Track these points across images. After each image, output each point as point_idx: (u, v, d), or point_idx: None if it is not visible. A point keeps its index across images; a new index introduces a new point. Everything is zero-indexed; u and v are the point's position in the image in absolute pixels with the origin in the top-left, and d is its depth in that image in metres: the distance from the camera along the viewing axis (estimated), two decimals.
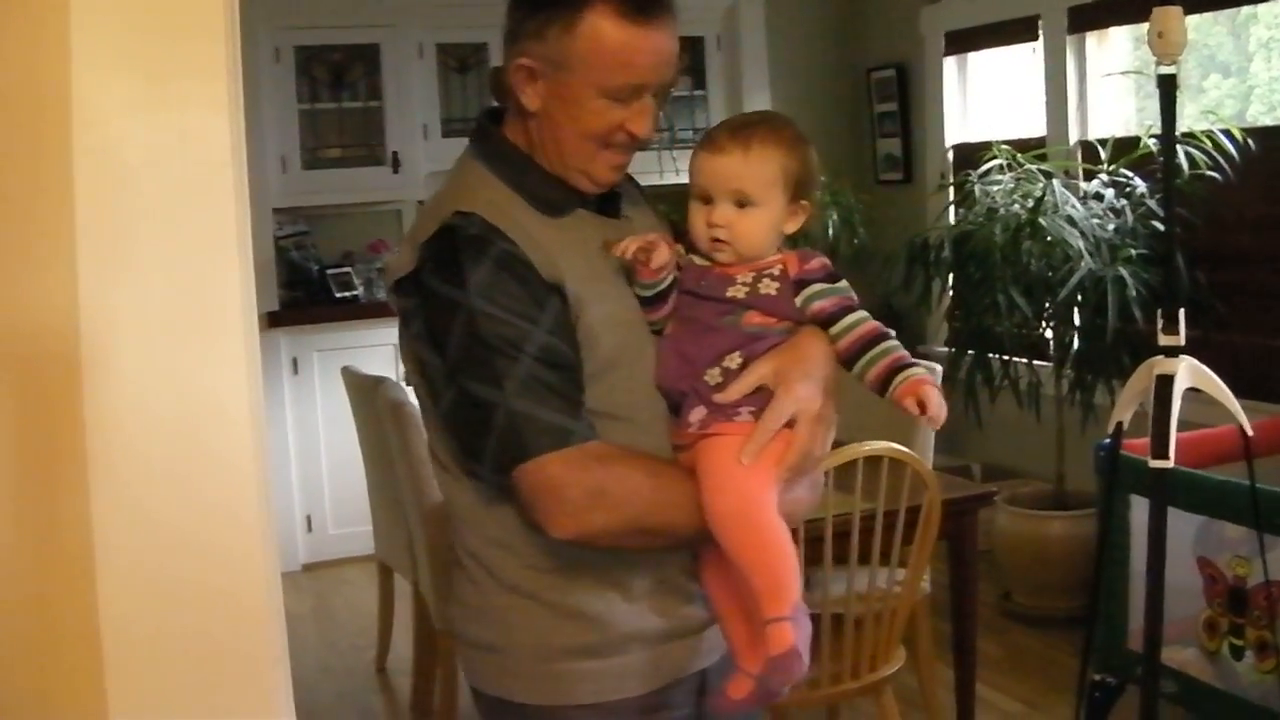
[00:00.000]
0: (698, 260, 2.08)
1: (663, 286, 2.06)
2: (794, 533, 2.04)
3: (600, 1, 1.98)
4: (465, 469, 2.07)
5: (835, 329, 2.05)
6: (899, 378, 2.00)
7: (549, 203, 2.07)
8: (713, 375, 2.01)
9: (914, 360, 2.04)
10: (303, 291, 7.09)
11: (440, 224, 2.00)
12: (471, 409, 1.98)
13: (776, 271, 2.05)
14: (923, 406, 1.98)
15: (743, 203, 2.03)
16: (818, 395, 2.02)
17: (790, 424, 2.00)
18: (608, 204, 2.16)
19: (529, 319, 1.96)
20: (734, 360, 2.01)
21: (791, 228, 2.10)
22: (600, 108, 2.02)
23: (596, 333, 2.02)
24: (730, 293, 2.04)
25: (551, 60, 2.01)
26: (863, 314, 2.06)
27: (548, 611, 2.08)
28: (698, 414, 2.01)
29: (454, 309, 1.96)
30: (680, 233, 2.17)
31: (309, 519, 6.90)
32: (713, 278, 2.06)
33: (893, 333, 2.07)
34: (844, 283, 2.08)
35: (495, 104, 2.21)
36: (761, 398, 2.00)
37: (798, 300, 2.04)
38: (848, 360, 2.05)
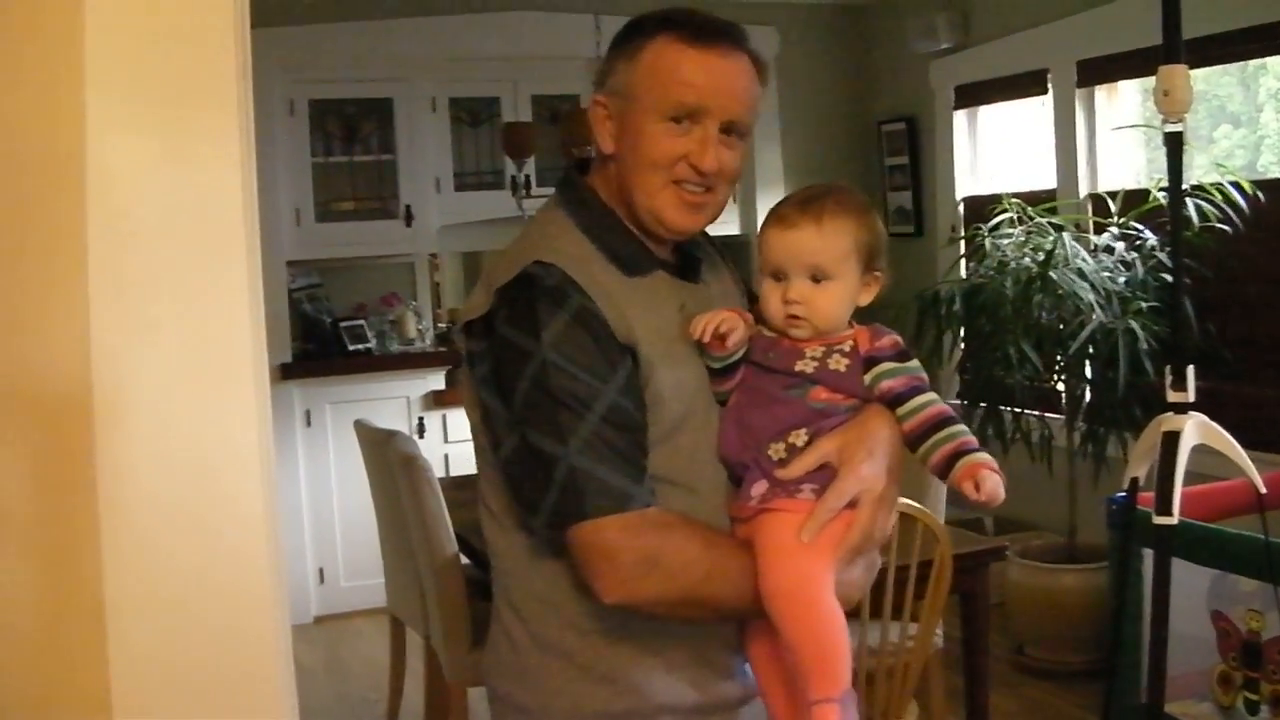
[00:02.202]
0: (767, 332, 2.06)
1: (734, 359, 2.04)
2: None
3: (663, 30, 2.03)
4: (519, 521, 2.06)
5: (903, 410, 2.02)
6: (960, 462, 1.96)
7: (629, 262, 2.06)
8: (776, 450, 1.99)
9: (977, 446, 1.99)
10: (315, 344, 7.11)
11: (519, 271, 1.99)
12: (533, 461, 1.96)
13: (847, 348, 2.02)
14: (978, 487, 1.93)
15: (818, 277, 2.01)
16: (881, 476, 2.00)
17: (852, 504, 1.97)
18: (688, 268, 2.16)
19: (600, 377, 1.95)
20: (800, 437, 1.98)
21: (865, 299, 2.07)
22: (660, 132, 2.02)
23: (664, 397, 2.01)
24: (799, 366, 2.01)
25: (619, 93, 2.05)
26: (931, 395, 2.03)
27: (583, 675, 2.06)
28: (759, 488, 1.99)
29: (525, 358, 1.95)
30: (755, 298, 2.15)
31: (321, 571, 6.89)
32: (781, 350, 2.03)
33: (959, 418, 2.04)
34: (915, 362, 2.05)
35: (584, 157, 2.26)
36: (825, 475, 1.97)
37: (866, 378, 2.01)
38: (913, 442, 2.02)
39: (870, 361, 2.01)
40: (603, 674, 2.05)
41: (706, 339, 2.00)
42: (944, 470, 1.98)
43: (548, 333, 1.94)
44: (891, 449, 2.02)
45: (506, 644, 2.13)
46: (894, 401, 2.02)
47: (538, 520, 1.99)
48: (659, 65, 2.01)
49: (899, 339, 2.05)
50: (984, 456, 1.97)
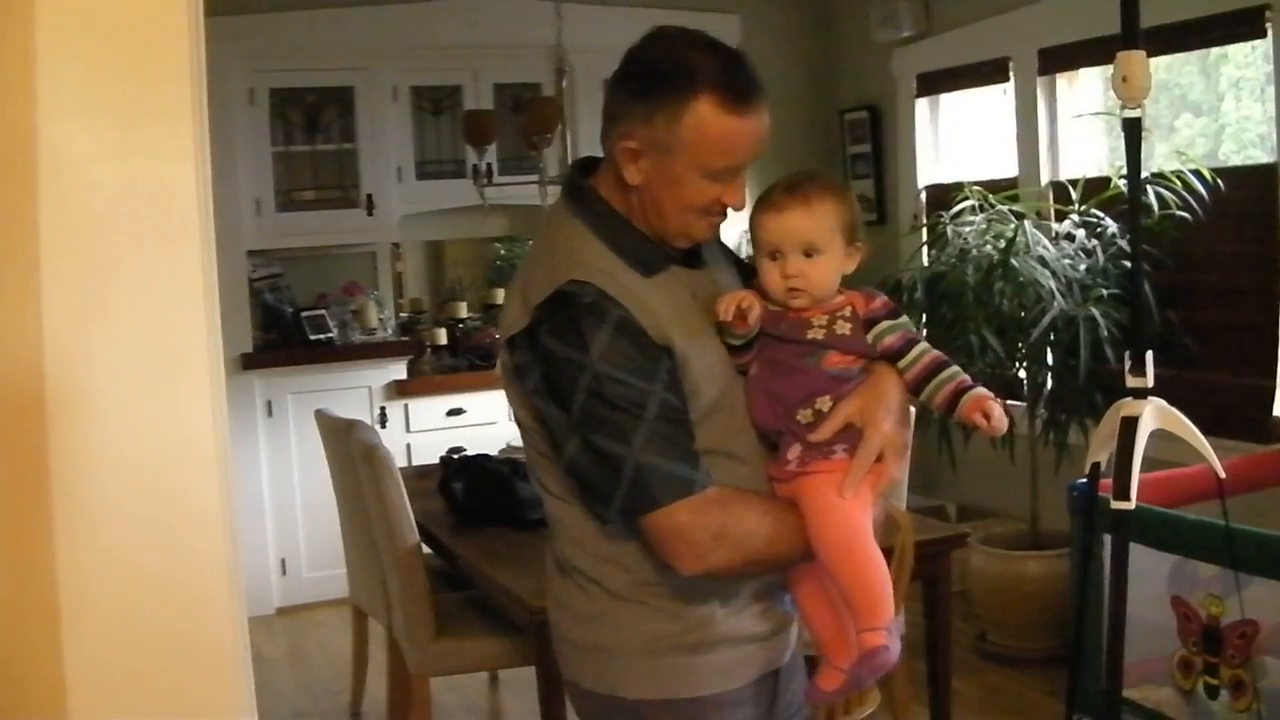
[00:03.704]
0: (772, 306, 2.29)
1: (752, 335, 2.27)
2: None
3: (705, 92, 2.18)
4: (588, 509, 2.27)
5: (904, 361, 2.28)
6: (965, 398, 2.24)
7: (645, 263, 2.26)
8: (805, 415, 2.24)
9: (973, 383, 2.27)
10: (277, 334, 7.07)
11: (555, 289, 2.18)
12: (600, 462, 2.19)
13: (848, 313, 2.27)
14: (988, 417, 2.21)
15: (810, 252, 2.25)
16: (899, 429, 2.28)
17: (879, 457, 2.23)
18: (690, 255, 2.35)
19: (648, 379, 2.17)
20: (825, 403, 2.23)
21: (850, 267, 2.31)
22: (701, 186, 2.22)
23: (700, 384, 2.24)
24: (810, 335, 2.26)
25: (656, 144, 2.20)
26: (925, 345, 2.29)
27: (654, 613, 2.30)
28: (794, 451, 2.25)
29: (578, 371, 2.16)
30: (749, 273, 2.42)
31: (283, 562, 6.86)
32: (790, 321, 2.27)
33: (951, 360, 2.30)
34: (904, 317, 2.31)
35: (585, 157, 2.43)
36: (851, 435, 2.23)
37: (869, 337, 2.26)
38: (915, 388, 2.28)
39: (870, 323, 2.27)
40: (673, 614, 2.29)
41: (730, 318, 2.22)
42: (949, 407, 2.25)
43: (595, 347, 2.16)
44: (901, 401, 2.28)
45: (581, 596, 2.36)
46: (895, 355, 2.28)
47: (610, 511, 2.22)
48: (707, 134, 2.18)
49: (888, 298, 2.32)
50: (985, 390, 2.25)
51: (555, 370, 2.19)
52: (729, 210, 2.28)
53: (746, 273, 2.47)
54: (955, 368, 2.28)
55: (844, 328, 2.25)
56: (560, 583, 2.42)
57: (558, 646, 2.47)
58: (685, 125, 2.18)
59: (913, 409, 2.35)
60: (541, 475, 2.37)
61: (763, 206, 2.29)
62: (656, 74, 2.22)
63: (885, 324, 2.26)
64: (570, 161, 5.67)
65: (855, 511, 2.21)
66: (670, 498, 2.16)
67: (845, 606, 2.26)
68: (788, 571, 2.36)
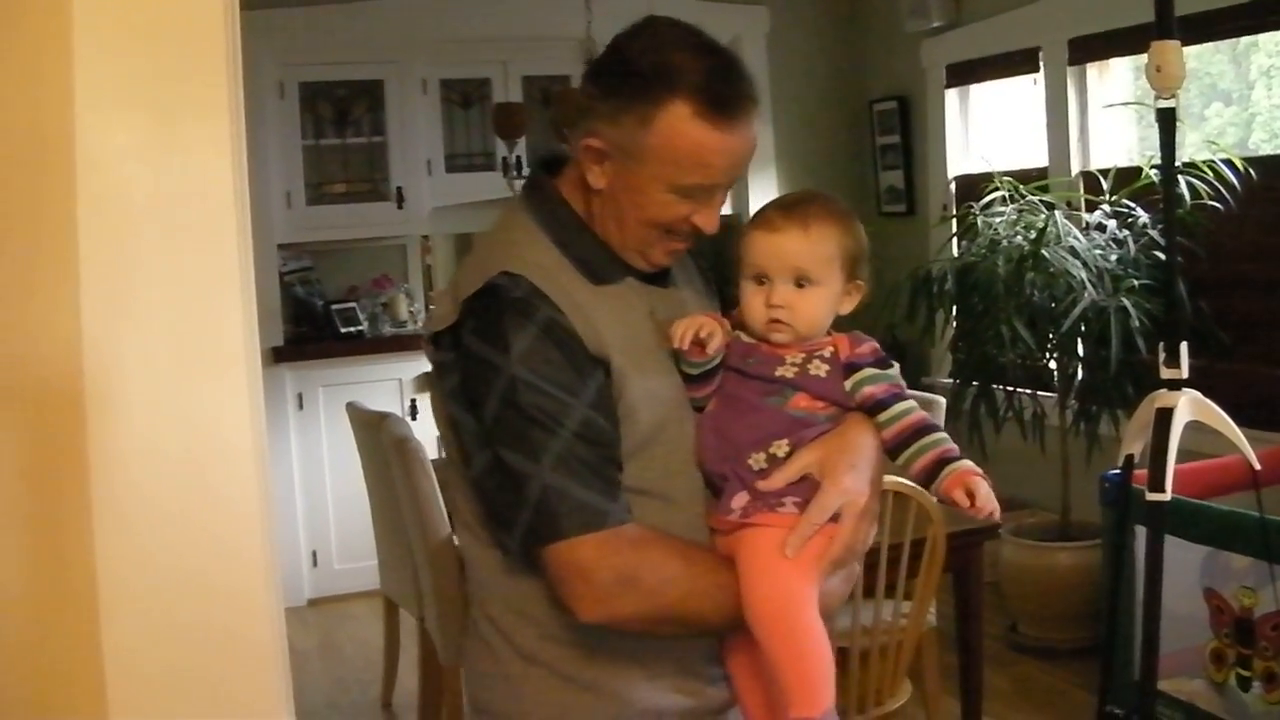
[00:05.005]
0: (745, 337, 2.02)
1: (711, 365, 2.00)
2: None
3: (681, 97, 1.91)
4: (492, 537, 2.02)
5: (883, 416, 1.98)
6: (946, 470, 1.94)
7: (597, 270, 2.01)
8: (757, 460, 1.95)
9: (960, 454, 1.97)
10: (308, 327, 7.10)
11: (485, 281, 1.94)
12: (505, 479, 1.92)
13: (827, 354, 1.99)
14: (972, 497, 1.91)
15: (802, 282, 1.97)
16: (864, 488, 1.96)
17: (835, 517, 1.93)
18: (658, 272, 2.09)
19: (571, 391, 1.90)
20: (781, 447, 1.95)
21: (847, 308, 2.04)
22: (667, 201, 1.96)
23: (637, 409, 1.96)
24: (779, 372, 1.98)
25: (622, 147, 1.95)
26: (912, 403, 2.00)
27: (564, 684, 2.02)
28: (739, 500, 1.95)
29: (494, 373, 1.90)
30: (728, 301, 2.13)
31: (314, 554, 6.89)
32: (761, 355, 2.00)
33: (940, 426, 2.01)
34: (895, 369, 2.02)
35: (551, 154, 2.17)
36: (806, 487, 1.94)
37: (847, 384, 1.98)
38: (894, 449, 1.99)
39: (851, 368, 1.99)
40: (585, 684, 2.01)
41: (685, 346, 1.96)
42: (928, 477, 1.97)
43: (516, 347, 1.90)
44: (873, 459, 1.99)
45: (487, 655, 2.09)
46: (875, 408, 1.99)
47: (512, 538, 1.96)
48: (677, 144, 1.92)
49: (878, 346, 2.03)
50: (971, 464, 1.95)
51: (473, 372, 1.93)
52: (698, 232, 2.01)
53: (729, 306, 2.16)
54: (942, 434, 1.99)
55: (820, 369, 1.97)
56: (471, 637, 2.14)
57: (469, 712, 2.17)
58: (655, 131, 1.91)
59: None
60: (458, 502, 2.10)
61: (754, 224, 2.01)
62: (632, 70, 1.94)
63: (869, 372, 1.98)
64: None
65: (797, 575, 1.90)
66: (577, 529, 1.87)
67: (775, 685, 1.94)
68: (725, 642, 2.07)
